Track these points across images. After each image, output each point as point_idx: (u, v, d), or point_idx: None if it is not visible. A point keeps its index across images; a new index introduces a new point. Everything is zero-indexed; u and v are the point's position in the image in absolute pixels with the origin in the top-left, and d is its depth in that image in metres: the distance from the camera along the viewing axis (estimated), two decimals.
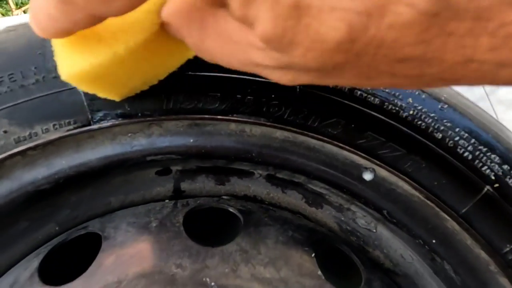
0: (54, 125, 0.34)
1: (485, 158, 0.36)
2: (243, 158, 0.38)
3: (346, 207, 0.42)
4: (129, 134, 0.36)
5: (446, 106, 0.37)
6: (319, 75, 0.18)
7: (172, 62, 0.30)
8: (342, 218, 0.43)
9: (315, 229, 0.41)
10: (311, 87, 0.36)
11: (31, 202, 0.35)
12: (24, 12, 1.70)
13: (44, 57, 0.33)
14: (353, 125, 0.37)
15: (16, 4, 1.75)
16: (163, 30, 0.23)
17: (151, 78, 0.31)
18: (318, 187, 0.41)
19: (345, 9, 0.13)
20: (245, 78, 0.35)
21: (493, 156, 0.36)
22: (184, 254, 0.34)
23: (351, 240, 0.43)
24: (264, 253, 0.36)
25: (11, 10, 1.71)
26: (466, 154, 0.36)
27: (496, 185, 0.36)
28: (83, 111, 0.34)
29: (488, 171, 0.36)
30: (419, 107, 0.36)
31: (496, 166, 0.36)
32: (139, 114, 0.35)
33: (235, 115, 0.36)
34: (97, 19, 0.20)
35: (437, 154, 0.36)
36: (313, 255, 0.37)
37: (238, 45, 0.19)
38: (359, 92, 0.36)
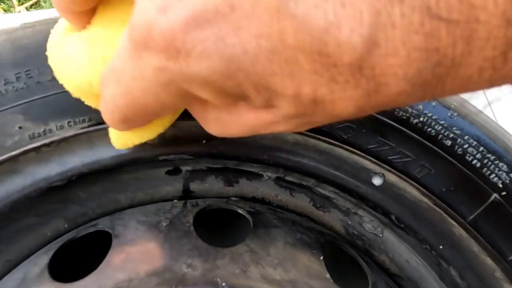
0: (68, 122, 0.34)
1: (493, 166, 0.36)
2: (254, 160, 0.38)
3: (354, 211, 0.43)
4: None
5: (455, 114, 0.37)
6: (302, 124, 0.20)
7: None
8: (349, 222, 0.43)
9: (323, 232, 0.42)
10: None
11: (43, 198, 0.35)
12: (27, 8, 1.70)
13: None
14: (364, 130, 0.37)
15: (19, 0, 1.75)
16: None
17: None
18: (326, 190, 0.42)
19: (353, 99, 0.16)
20: None
21: (501, 164, 0.36)
22: (195, 253, 0.35)
23: (357, 244, 0.44)
24: (273, 254, 0.36)
25: (13, 6, 1.71)
26: (474, 161, 0.37)
27: (504, 193, 0.36)
28: (97, 109, 0.34)
29: (496, 179, 0.36)
30: (429, 114, 0.37)
31: (504, 175, 0.36)
32: None
33: None
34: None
35: (446, 161, 0.37)
36: (321, 257, 0.38)
37: (256, 126, 0.20)
38: None
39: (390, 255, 0.43)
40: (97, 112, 0.35)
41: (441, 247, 0.38)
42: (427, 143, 0.37)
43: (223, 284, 0.32)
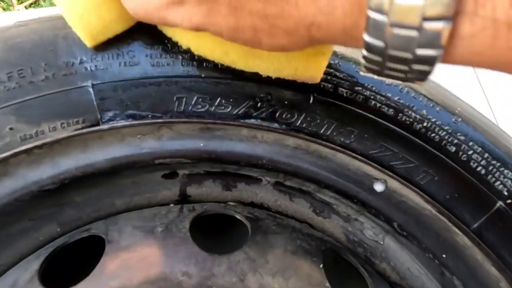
0: (62, 123, 0.33)
1: (498, 173, 0.36)
2: (253, 165, 0.37)
3: (354, 217, 0.42)
4: (139, 136, 0.35)
5: (460, 119, 0.36)
6: (206, 10, 0.23)
7: None
8: (350, 229, 0.42)
9: (323, 239, 0.41)
10: (324, 95, 0.35)
11: (35, 202, 0.34)
12: (26, 7, 1.68)
13: (55, 54, 0.32)
14: (366, 135, 0.36)
15: None
16: None
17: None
18: (327, 196, 0.41)
19: None
20: (258, 84, 0.34)
21: (506, 171, 0.36)
22: (191, 261, 0.34)
23: (358, 252, 0.43)
24: (272, 262, 0.35)
25: (12, 5, 1.70)
26: (479, 168, 0.36)
27: (509, 200, 0.35)
28: (92, 110, 0.33)
29: (501, 186, 0.35)
30: (433, 120, 0.36)
31: (509, 182, 0.35)
32: (150, 116, 0.34)
33: (247, 120, 0.35)
34: None
35: (450, 167, 0.36)
36: (321, 265, 0.36)
37: None
38: (373, 102, 0.36)
39: (391, 263, 0.42)
40: (92, 113, 0.34)
41: (444, 255, 0.37)
42: (431, 149, 0.36)
43: None
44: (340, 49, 0.36)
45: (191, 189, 0.41)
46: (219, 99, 0.34)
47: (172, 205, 0.41)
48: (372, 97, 0.35)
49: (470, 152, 0.36)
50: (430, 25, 0.17)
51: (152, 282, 0.32)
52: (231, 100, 0.35)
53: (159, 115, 0.34)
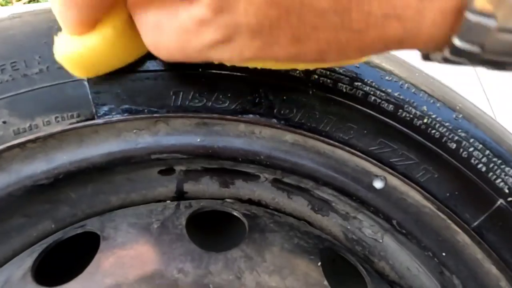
0: (56, 117, 0.33)
1: (499, 170, 0.35)
2: (250, 161, 0.37)
3: (353, 215, 0.41)
4: (134, 131, 0.34)
5: (461, 116, 0.36)
6: (261, 43, 0.20)
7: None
8: (348, 227, 0.42)
9: (321, 237, 0.40)
10: (324, 90, 0.35)
11: (28, 197, 0.33)
12: (24, 3, 1.67)
13: (49, 47, 0.31)
14: (365, 131, 0.36)
15: None
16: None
17: (135, 56, 0.31)
18: (325, 193, 0.40)
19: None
20: (257, 78, 0.34)
21: (507, 169, 0.35)
22: (187, 258, 0.33)
23: (356, 250, 0.42)
24: (269, 260, 0.35)
25: (10, 2, 1.69)
26: (480, 165, 0.35)
27: (510, 198, 0.35)
28: (87, 104, 0.33)
29: (502, 184, 0.35)
30: (434, 116, 0.35)
31: (510, 179, 0.35)
32: (146, 110, 0.34)
33: (244, 115, 0.35)
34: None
35: (450, 164, 0.35)
36: (319, 264, 0.36)
37: (189, 31, 0.21)
38: (373, 98, 0.35)
39: (390, 262, 0.41)
40: (87, 107, 0.34)
41: (443, 254, 0.37)
42: (431, 145, 0.35)
43: None
44: None
45: (188, 186, 0.41)
46: (216, 93, 0.34)
47: (168, 201, 0.41)
48: (372, 92, 0.35)
49: (471, 149, 0.35)
50: None
51: (147, 279, 0.31)
52: (229, 95, 0.34)
53: (156, 110, 0.34)
